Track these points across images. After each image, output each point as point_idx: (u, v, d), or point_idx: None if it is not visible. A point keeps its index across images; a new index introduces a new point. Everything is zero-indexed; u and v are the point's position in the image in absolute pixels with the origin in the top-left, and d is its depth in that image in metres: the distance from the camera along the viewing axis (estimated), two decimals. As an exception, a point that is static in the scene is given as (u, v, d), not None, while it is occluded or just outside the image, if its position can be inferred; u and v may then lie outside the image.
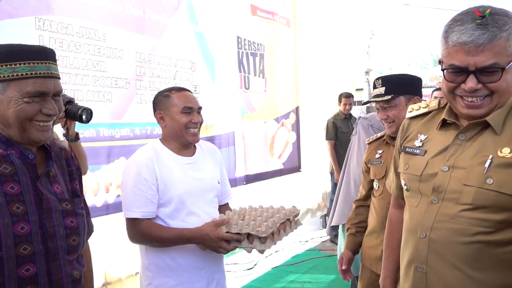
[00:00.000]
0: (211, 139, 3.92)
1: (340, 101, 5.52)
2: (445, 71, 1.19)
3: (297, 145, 5.37)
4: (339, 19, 5.97)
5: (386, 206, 1.88)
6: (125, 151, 3.03)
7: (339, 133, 5.33)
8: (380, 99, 1.96)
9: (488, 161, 1.15)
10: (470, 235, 1.16)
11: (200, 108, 1.91)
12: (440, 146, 1.26)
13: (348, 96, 5.51)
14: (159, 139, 1.93)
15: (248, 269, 4.40)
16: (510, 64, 1.12)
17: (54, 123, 1.24)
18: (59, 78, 1.20)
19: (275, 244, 1.81)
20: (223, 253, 1.78)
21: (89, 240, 1.40)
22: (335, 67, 5.90)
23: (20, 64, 1.11)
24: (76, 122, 1.87)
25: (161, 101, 1.89)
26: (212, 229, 1.73)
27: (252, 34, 4.59)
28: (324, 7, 5.78)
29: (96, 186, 2.88)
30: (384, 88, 1.97)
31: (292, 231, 1.97)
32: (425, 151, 1.29)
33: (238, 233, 1.72)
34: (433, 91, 4.09)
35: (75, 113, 1.70)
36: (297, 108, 5.39)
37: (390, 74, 2.10)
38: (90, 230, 1.36)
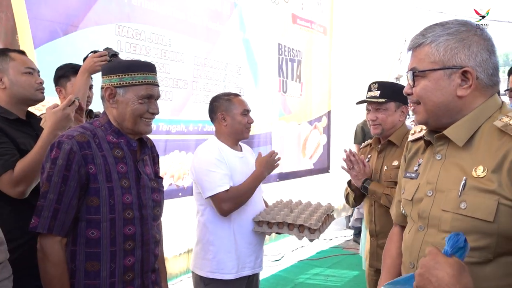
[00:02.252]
0: (250, 138, 4.21)
1: (369, 106, 5.74)
2: None
3: (327, 147, 5.66)
4: (373, 27, 6.19)
5: (370, 205, 2.16)
6: (179, 145, 3.38)
7: (367, 137, 5.56)
8: (374, 100, 2.15)
9: (462, 183, 1.06)
10: None
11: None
12: (427, 168, 1.19)
13: None
14: (215, 136, 2.25)
15: (275, 260, 4.70)
16: (428, 71, 1.10)
17: None
18: (159, 86, 1.55)
19: (320, 234, 2.12)
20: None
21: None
22: (367, 73, 6.11)
23: (137, 74, 1.46)
24: None
25: (222, 104, 2.22)
26: (259, 160, 2.26)
27: (291, 41, 4.89)
28: (359, 15, 6.03)
29: (154, 175, 3.23)
30: (379, 92, 2.16)
31: (330, 224, 2.29)
32: (419, 174, 1.22)
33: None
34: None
35: None
36: (329, 112, 5.68)
37: (386, 81, 2.26)
38: None
